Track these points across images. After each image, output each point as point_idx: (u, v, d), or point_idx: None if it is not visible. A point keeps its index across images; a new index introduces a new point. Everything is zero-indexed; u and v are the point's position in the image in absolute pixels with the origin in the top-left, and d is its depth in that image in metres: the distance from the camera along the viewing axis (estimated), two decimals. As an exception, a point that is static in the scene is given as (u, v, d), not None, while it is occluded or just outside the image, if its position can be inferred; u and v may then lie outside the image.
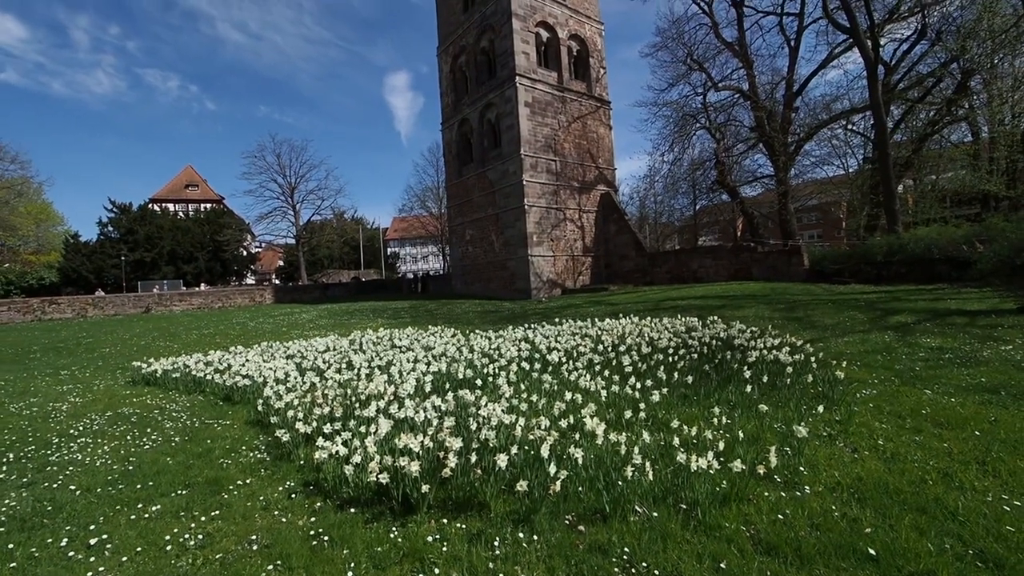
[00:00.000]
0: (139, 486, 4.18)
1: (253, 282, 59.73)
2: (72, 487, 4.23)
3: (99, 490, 4.15)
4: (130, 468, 4.63)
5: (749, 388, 5.37)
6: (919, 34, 22.30)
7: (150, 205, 53.47)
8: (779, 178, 25.28)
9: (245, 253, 56.13)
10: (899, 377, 6.02)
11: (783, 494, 3.40)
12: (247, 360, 8.72)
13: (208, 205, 59.79)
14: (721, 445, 3.84)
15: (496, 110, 24.45)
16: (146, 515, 3.66)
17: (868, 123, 26.07)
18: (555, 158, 24.13)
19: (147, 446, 5.27)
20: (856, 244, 19.59)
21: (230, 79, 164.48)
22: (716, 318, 9.75)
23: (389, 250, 71.12)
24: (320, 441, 4.14)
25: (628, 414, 4.64)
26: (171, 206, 58.99)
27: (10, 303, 27.21)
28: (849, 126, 28.03)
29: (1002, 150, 21.46)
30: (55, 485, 4.31)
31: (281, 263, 64.06)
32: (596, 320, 10.79)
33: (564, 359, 7.27)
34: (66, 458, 5.00)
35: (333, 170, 70.22)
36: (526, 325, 11.18)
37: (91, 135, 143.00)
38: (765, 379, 5.72)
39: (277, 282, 60.34)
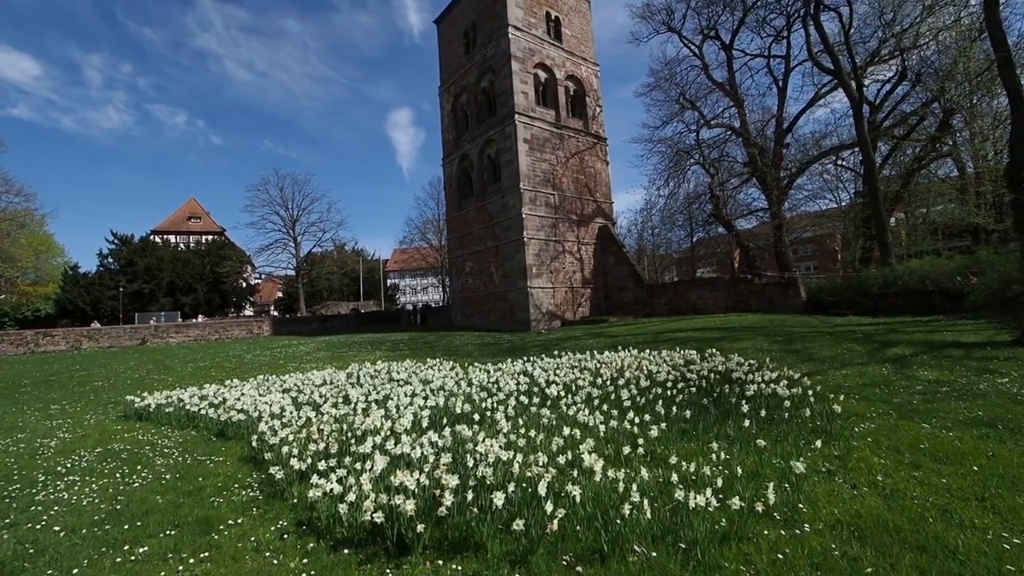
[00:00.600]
0: (126, 526, 4.09)
1: (251, 313, 59.52)
2: (56, 528, 4.14)
3: (84, 531, 4.05)
4: (118, 507, 4.53)
5: (747, 422, 5.34)
6: (900, 76, 23.24)
7: (152, 237, 53.91)
8: (773, 211, 25.78)
9: (244, 284, 56.16)
10: (897, 411, 5.99)
11: (783, 532, 3.35)
12: (242, 394, 8.63)
13: (209, 237, 60.28)
14: (720, 481, 3.81)
15: (496, 146, 25.10)
16: (132, 557, 3.57)
17: (857, 159, 26.78)
18: (553, 192, 24.62)
19: (136, 484, 5.17)
20: (852, 276, 19.80)
21: (236, 115, 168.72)
22: (714, 351, 9.75)
23: (389, 281, 71.28)
24: (314, 479, 4.08)
25: (627, 450, 4.60)
26: (172, 238, 59.44)
27: (3, 335, 27.00)
28: (839, 161, 28.78)
29: (987, 184, 21.99)
30: (39, 526, 4.21)
31: (280, 294, 64.02)
32: (595, 353, 10.78)
33: (563, 393, 7.23)
34: (52, 497, 4.89)
35: (335, 203, 70.78)
36: (525, 358, 11.13)
37: (99, 169, 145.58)
38: (763, 413, 5.69)
39: (275, 314, 60.16)
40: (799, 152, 27.37)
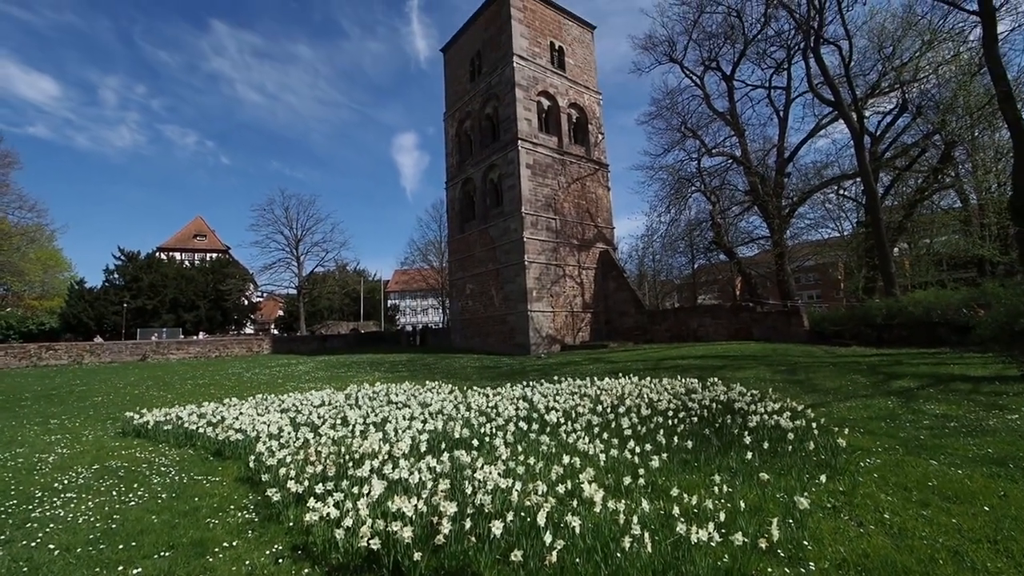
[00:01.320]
0: (121, 546, 4.04)
1: (252, 331, 59.57)
2: (51, 546, 4.09)
3: (79, 550, 4.00)
4: (113, 526, 4.49)
5: (750, 455, 5.27)
6: (901, 108, 23.61)
7: (158, 254, 54.44)
8: (775, 240, 25.86)
9: (246, 302, 56.38)
10: (904, 446, 5.90)
11: (787, 570, 3.27)
12: (241, 413, 8.59)
13: (214, 255, 60.84)
14: (722, 516, 3.73)
15: (499, 171, 25.48)
16: (125, 580, 3.52)
17: (859, 188, 26.94)
18: (555, 217, 24.86)
19: (132, 503, 5.12)
20: (855, 306, 19.72)
21: (246, 136, 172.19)
22: (716, 379, 9.67)
23: (390, 302, 71.41)
24: (311, 502, 4.04)
25: (627, 480, 4.54)
26: (178, 255, 60.02)
27: (7, 348, 27.07)
28: (841, 191, 28.92)
29: (991, 216, 21.99)
30: (34, 544, 4.16)
31: (281, 313, 64.19)
32: (595, 379, 10.70)
33: (563, 420, 7.17)
34: (48, 514, 4.85)
35: (339, 223, 71.57)
36: (524, 382, 11.07)
37: (110, 186, 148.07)
38: (766, 445, 5.62)
39: (275, 332, 60.18)
40: (800, 181, 27.63)
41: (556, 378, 11.40)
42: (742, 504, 4.02)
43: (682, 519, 3.55)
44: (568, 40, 27.83)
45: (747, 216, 29.61)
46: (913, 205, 25.00)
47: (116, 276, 47.27)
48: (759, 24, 24.79)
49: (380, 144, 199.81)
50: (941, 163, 23.33)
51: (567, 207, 25.67)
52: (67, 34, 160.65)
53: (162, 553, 3.90)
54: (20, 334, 37.97)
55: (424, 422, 7.10)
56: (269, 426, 7.23)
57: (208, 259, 57.85)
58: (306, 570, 3.54)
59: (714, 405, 7.72)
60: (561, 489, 4.39)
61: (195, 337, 41.65)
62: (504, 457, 5.16)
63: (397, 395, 10.23)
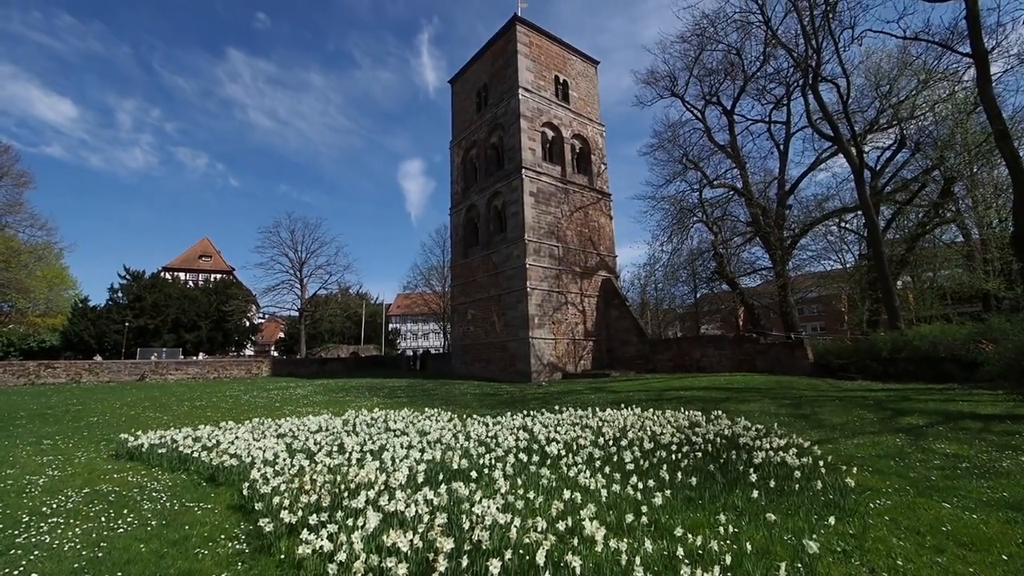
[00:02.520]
0: (105, 577, 3.91)
1: (252, 353, 59.36)
2: (34, 575, 3.96)
3: (62, 581, 3.87)
4: (99, 555, 4.35)
5: (756, 493, 5.12)
6: (899, 144, 23.93)
7: (163, 273, 54.79)
8: (777, 271, 25.83)
9: (248, 324, 56.32)
10: (914, 487, 5.72)
11: (798, 620, 3.13)
12: (236, 437, 8.46)
13: (218, 276, 61.19)
14: (728, 558, 3.60)
15: (503, 198, 25.80)
16: (107, 614, 3.39)
17: (860, 221, 27.01)
18: (557, 244, 25.02)
19: (121, 529, 4.98)
20: (860, 339, 19.52)
21: (256, 159, 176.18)
22: (720, 412, 9.51)
23: (391, 326, 71.27)
24: (304, 534, 3.92)
25: (629, 517, 4.40)
26: (182, 275, 60.38)
27: (6, 366, 26.98)
28: (842, 223, 29.00)
29: (994, 251, 21.98)
30: (16, 573, 4.03)
31: (282, 335, 64.07)
32: (597, 409, 10.54)
33: (563, 451, 7.02)
34: (33, 540, 4.71)
35: (343, 247, 71.94)
36: (525, 412, 10.90)
37: (120, 204, 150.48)
38: (772, 483, 5.47)
39: (275, 354, 59.92)
40: (802, 213, 27.77)
41: (557, 407, 11.23)
42: (748, 546, 3.89)
43: (686, 561, 3.43)
44: (572, 74, 28.60)
45: (749, 247, 29.66)
46: (915, 239, 25.03)
47: (120, 295, 47.48)
48: (758, 62, 25.44)
49: (387, 170, 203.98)
50: (941, 198, 23.47)
51: (570, 235, 25.87)
52: (89, 60, 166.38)
53: (148, 586, 3.76)
54: (21, 351, 37.93)
55: (422, 451, 6.97)
56: (264, 452, 7.10)
57: (212, 280, 58.18)
58: (296, 608, 3.41)
59: (718, 439, 7.57)
60: (561, 526, 4.26)
61: (194, 358, 41.46)
62: (503, 490, 5.04)
63: (395, 422, 10.07)
